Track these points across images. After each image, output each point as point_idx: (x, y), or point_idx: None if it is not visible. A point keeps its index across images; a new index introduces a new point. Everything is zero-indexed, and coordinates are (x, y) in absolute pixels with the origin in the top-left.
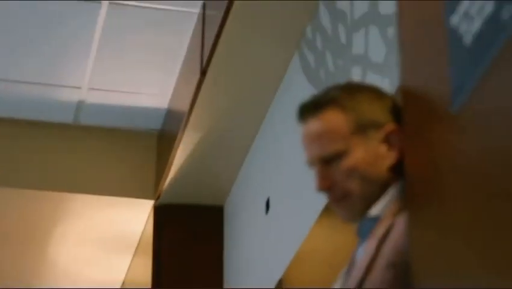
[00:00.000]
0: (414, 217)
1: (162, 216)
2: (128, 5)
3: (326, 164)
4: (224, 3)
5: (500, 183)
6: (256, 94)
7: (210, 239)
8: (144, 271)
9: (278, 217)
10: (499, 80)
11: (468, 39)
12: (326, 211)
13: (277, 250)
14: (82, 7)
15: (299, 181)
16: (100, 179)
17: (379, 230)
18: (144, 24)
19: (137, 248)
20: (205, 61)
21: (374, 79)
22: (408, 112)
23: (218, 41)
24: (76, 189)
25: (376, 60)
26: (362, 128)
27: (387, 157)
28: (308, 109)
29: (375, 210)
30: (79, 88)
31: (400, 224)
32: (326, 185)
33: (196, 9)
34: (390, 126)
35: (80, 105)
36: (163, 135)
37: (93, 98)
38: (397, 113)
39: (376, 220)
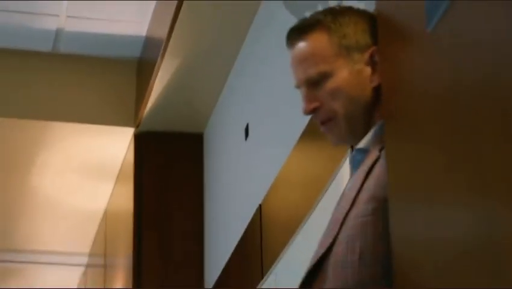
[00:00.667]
0: (391, 138)
1: (143, 143)
2: None
3: (313, 87)
4: None
5: (473, 101)
6: (235, 18)
7: (190, 166)
8: (126, 199)
9: (257, 143)
10: None
11: None
12: (305, 136)
13: (257, 176)
14: None
15: (277, 107)
16: (80, 107)
17: (367, 163)
18: None
19: (118, 175)
20: None
21: (350, 2)
22: (383, 33)
23: None
24: (57, 118)
25: None
26: (346, 50)
27: (371, 79)
28: (295, 33)
29: (365, 141)
30: (57, 16)
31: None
32: (312, 107)
33: None
34: (374, 49)
35: (59, 33)
36: (142, 62)
37: (72, 26)
38: None
39: (366, 151)
